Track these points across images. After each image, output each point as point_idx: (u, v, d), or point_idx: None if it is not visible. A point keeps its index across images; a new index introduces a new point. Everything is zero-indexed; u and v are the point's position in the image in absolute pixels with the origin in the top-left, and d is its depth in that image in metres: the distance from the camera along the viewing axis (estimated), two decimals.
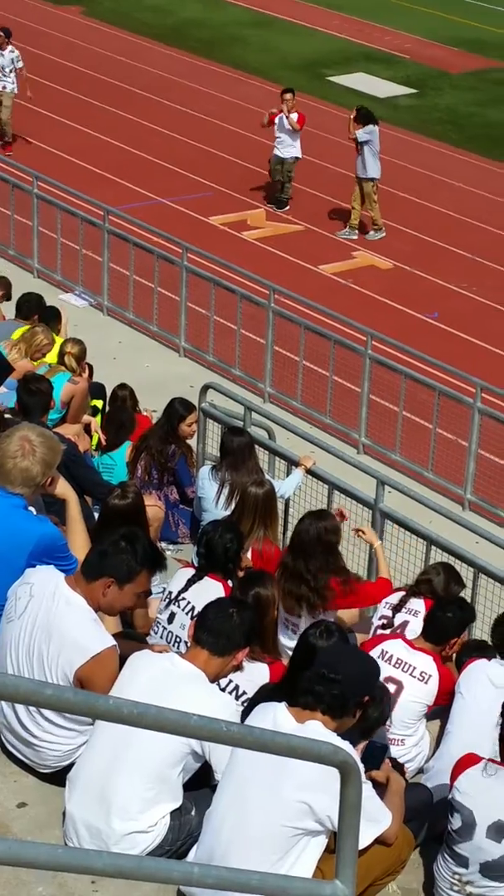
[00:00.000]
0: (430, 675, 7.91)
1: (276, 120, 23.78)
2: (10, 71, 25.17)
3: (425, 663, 7.94)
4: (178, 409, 11.73)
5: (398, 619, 8.75)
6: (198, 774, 5.93)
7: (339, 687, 5.58)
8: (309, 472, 11.61)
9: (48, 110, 27.57)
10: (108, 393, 13.18)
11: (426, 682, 7.90)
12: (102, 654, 6.01)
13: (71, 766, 6.04)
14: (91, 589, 6.14)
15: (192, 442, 12.38)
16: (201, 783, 5.96)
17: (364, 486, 11.73)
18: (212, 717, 4.32)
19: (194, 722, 4.20)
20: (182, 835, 5.81)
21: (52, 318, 13.72)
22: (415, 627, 8.61)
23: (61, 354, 12.47)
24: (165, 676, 5.87)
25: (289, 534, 12.00)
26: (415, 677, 7.87)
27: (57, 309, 14.37)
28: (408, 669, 7.87)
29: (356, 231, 23.24)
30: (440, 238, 23.45)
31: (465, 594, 9.74)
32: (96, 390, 13.21)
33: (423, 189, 25.34)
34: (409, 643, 8.06)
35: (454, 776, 6.35)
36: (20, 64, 25.28)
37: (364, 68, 32.24)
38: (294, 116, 23.63)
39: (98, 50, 32.26)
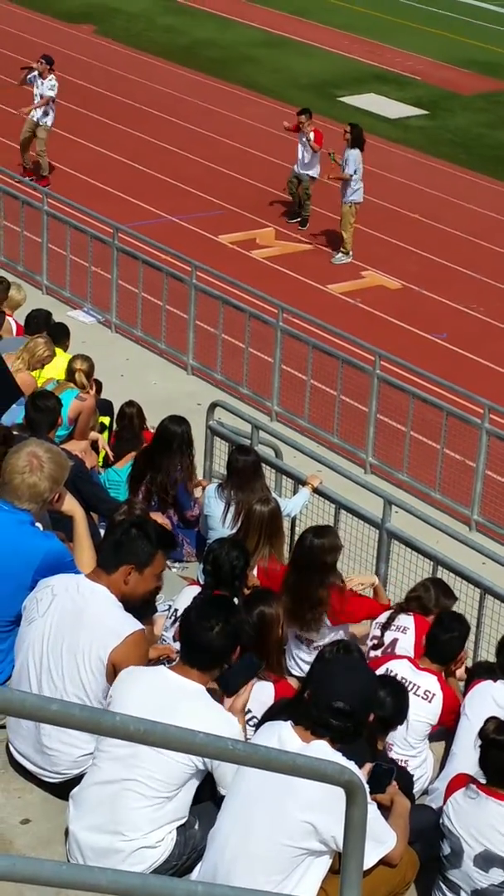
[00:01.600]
0: (434, 694, 7.93)
1: (299, 138, 23.97)
2: (48, 101, 24.35)
3: (430, 682, 7.97)
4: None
5: (388, 638, 8.78)
6: (201, 787, 5.91)
7: (351, 719, 5.49)
8: (316, 491, 11.59)
9: (59, 128, 27.56)
10: (116, 410, 13.17)
11: (430, 701, 7.92)
12: (134, 636, 6.11)
13: (80, 777, 6.03)
14: (112, 580, 6.24)
15: (199, 460, 12.35)
16: (204, 796, 5.94)
17: (371, 506, 11.72)
18: (217, 734, 4.30)
19: (200, 740, 4.18)
20: (188, 849, 5.80)
21: (60, 334, 13.72)
22: (405, 645, 8.63)
23: (70, 371, 12.44)
24: (163, 692, 5.84)
25: None
26: (419, 696, 7.89)
27: (65, 326, 14.38)
28: (412, 688, 7.88)
29: (350, 254, 23.17)
30: (449, 259, 23.47)
31: (471, 614, 9.74)
32: (104, 407, 13.21)
33: (432, 210, 25.37)
34: (414, 663, 8.09)
35: (445, 797, 6.35)
36: (54, 92, 24.41)
37: (375, 89, 32.31)
38: (311, 135, 23.75)
39: (110, 68, 32.35)
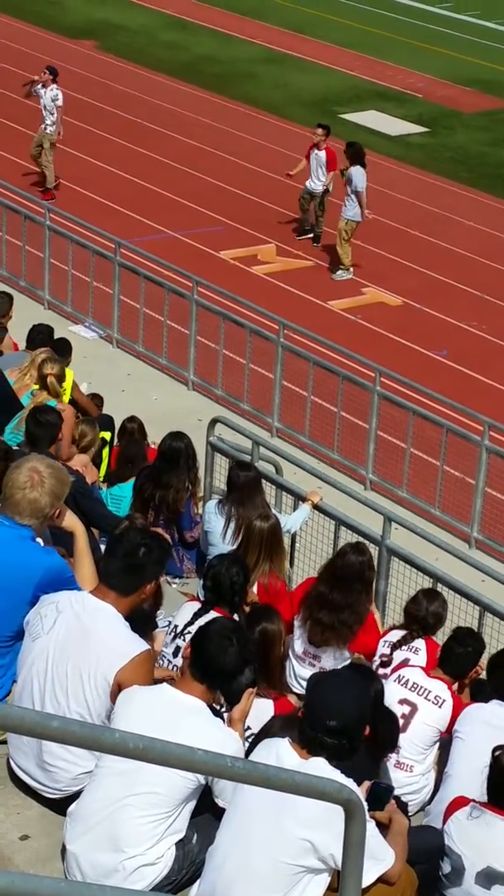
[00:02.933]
0: (444, 700, 7.99)
1: (312, 157, 24.01)
2: (51, 112, 24.66)
3: (440, 688, 8.03)
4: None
5: (398, 657, 8.80)
6: (199, 799, 5.91)
7: (346, 736, 5.50)
8: (316, 507, 11.59)
9: (61, 143, 27.67)
10: (117, 425, 13.18)
11: (440, 707, 7.97)
12: (141, 657, 6.14)
13: (79, 793, 6.03)
14: (126, 601, 6.31)
15: (199, 476, 12.35)
16: (202, 809, 5.94)
17: (371, 523, 11.72)
18: (217, 751, 4.31)
19: (200, 757, 4.19)
20: (186, 863, 5.81)
21: (62, 350, 13.65)
22: (416, 664, 8.66)
23: (42, 378, 11.77)
24: (166, 709, 5.84)
25: (296, 568, 12.02)
26: (429, 700, 7.94)
27: (68, 341, 14.38)
28: (423, 693, 7.93)
29: (350, 270, 23.15)
30: (450, 276, 23.49)
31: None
32: (105, 422, 13.20)
33: (433, 227, 25.40)
34: (426, 671, 8.14)
35: (444, 819, 6.34)
36: (59, 102, 24.66)
37: (376, 106, 32.36)
38: (322, 154, 23.81)
39: (112, 84, 32.41)
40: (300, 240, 24.48)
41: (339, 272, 23.12)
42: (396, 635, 9.04)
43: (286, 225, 24.95)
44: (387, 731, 7.20)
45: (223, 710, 6.43)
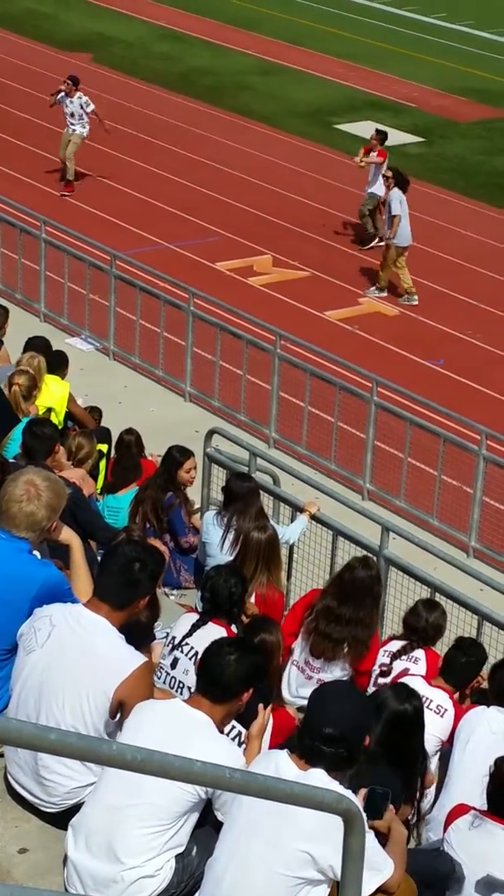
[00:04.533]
0: (446, 710, 7.98)
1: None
2: (80, 117, 25.87)
3: (442, 698, 8.02)
4: (175, 457, 11.71)
5: (398, 667, 8.79)
6: (201, 815, 5.91)
7: (343, 745, 5.50)
8: (313, 517, 11.60)
9: (55, 155, 27.74)
10: (115, 437, 13.17)
11: (442, 716, 7.96)
12: (139, 670, 6.12)
13: (76, 807, 6.02)
14: (120, 615, 6.30)
15: (197, 486, 12.36)
16: (201, 821, 5.94)
17: (368, 533, 11.72)
18: (216, 763, 4.30)
19: (198, 769, 4.18)
20: (185, 876, 5.80)
21: (59, 362, 13.60)
22: (416, 673, 8.65)
23: (9, 385, 11.55)
24: (173, 724, 5.85)
25: (294, 579, 12.03)
26: (431, 710, 7.92)
27: (64, 353, 14.37)
28: (425, 702, 7.91)
29: (384, 290, 22.89)
30: (446, 285, 23.50)
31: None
32: (102, 434, 13.20)
33: (429, 236, 25.39)
34: (427, 680, 8.13)
35: (445, 826, 6.33)
36: (91, 107, 25.97)
37: (371, 116, 32.38)
38: (373, 154, 24.44)
39: (106, 96, 32.39)
40: (369, 249, 24.51)
41: (372, 290, 22.89)
42: (396, 645, 9.04)
43: (282, 236, 24.97)
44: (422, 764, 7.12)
45: (235, 729, 6.48)
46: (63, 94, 25.90)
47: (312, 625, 9.11)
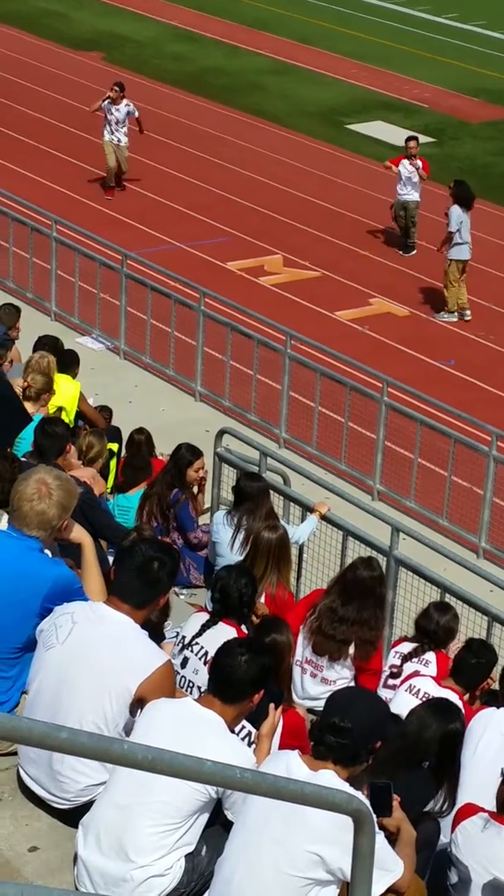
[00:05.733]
0: None
1: (400, 167, 24.31)
2: (124, 124, 25.88)
3: (452, 698, 7.98)
4: (185, 455, 11.72)
5: (408, 669, 8.79)
6: (211, 815, 5.92)
7: (349, 736, 5.56)
8: (323, 518, 11.60)
9: (67, 154, 27.75)
10: (125, 436, 13.18)
11: None
12: (161, 669, 6.16)
13: (87, 804, 6.03)
14: (141, 613, 6.34)
15: (207, 486, 12.36)
16: (211, 821, 5.94)
17: (379, 533, 11.72)
18: (226, 763, 4.30)
19: (208, 768, 4.19)
20: (195, 875, 5.80)
21: (69, 361, 13.61)
22: (426, 675, 8.65)
23: (24, 390, 11.58)
24: (184, 723, 5.85)
25: (303, 579, 12.02)
26: None
27: (75, 352, 14.38)
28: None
29: (454, 313, 22.42)
30: None
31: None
32: (113, 434, 13.21)
33: (440, 237, 25.34)
34: (437, 681, 8.12)
35: (453, 827, 6.32)
36: (136, 113, 26.05)
37: (383, 117, 32.37)
38: (419, 163, 24.24)
39: None
40: (405, 257, 24.51)
41: (442, 314, 22.45)
42: (407, 647, 9.03)
43: (292, 235, 24.96)
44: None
45: (245, 730, 6.48)
46: (109, 100, 25.81)
47: (315, 624, 9.10)
